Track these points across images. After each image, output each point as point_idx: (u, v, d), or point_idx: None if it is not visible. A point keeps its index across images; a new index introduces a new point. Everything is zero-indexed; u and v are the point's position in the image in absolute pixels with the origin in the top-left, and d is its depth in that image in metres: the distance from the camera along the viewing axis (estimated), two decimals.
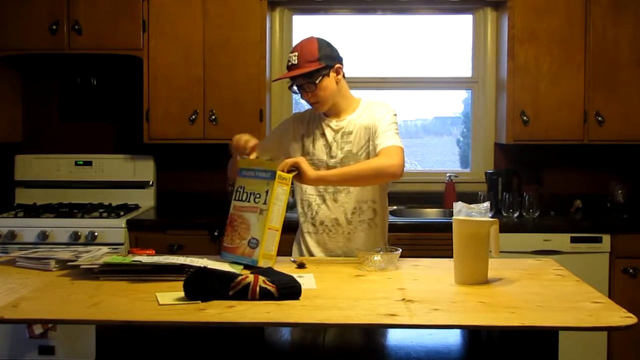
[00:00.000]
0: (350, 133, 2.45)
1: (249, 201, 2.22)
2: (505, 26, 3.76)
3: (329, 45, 2.44)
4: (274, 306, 1.75)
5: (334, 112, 2.49)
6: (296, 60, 2.38)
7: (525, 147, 3.94)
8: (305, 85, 2.39)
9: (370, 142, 2.42)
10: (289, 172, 2.21)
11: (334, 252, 2.50)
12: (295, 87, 2.45)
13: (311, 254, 2.52)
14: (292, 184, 2.24)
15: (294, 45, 2.49)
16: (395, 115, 2.45)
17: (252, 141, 2.35)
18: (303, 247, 2.54)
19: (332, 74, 2.41)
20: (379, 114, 2.43)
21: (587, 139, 3.70)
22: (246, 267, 2.13)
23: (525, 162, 4.02)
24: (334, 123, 2.49)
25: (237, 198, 2.26)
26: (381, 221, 2.53)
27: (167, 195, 4.07)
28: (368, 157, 2.42)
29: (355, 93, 2.57)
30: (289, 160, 2.25)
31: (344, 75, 2.47)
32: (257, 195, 2.19)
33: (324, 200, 2.47)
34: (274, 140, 2.59)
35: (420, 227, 3.46)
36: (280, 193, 2.17)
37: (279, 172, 2.17)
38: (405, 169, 2.36)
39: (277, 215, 2.18)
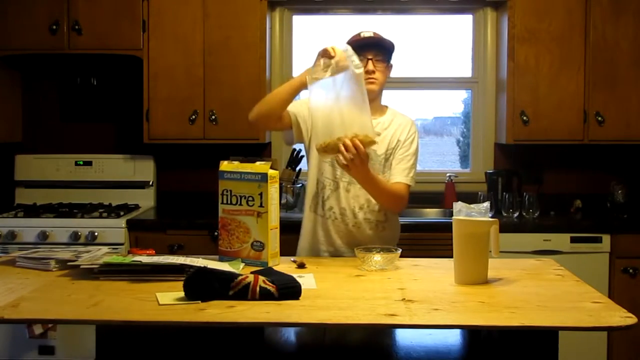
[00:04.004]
0: (379, 134, 2.45)
1: (240, 204, 2.22)
2: (505, 26, 3.76)
3: None
4: (274, 306, 1.75)
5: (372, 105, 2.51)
6: (373, 35, 2.47)
7: (525, 147, 3.94)
8: (376, 59, 2.44)
9: (391, 152, 2.48)
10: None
11: (336, 241, 2.49)
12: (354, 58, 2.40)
13: (316, 238, 2.51)
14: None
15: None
16: (416, 132, 2.54)
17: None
18: (312, 229, 2.52)
19: (389, 68, 2.51)
20: (407, 134, 2.50)
21: (587, 139, 3.70)
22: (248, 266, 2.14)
23: (525, 162, 4.02)
24: None
25: (225, 202, 2.26)
26: (391, 227, 2.55)
27: (167, 195, 4.07)
28: (385, 162, 2.47)
29: None
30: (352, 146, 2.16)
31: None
32: (250, 199, 2.20)
33: (337, 188, 2.47)
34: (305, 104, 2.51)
35: (420, 227, 3.46)
36: (273, 192, 2.19)
37: (269, 173, 2.17)
38: None
39: (275, 215, 2.20)
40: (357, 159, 2.17)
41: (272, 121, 2.45)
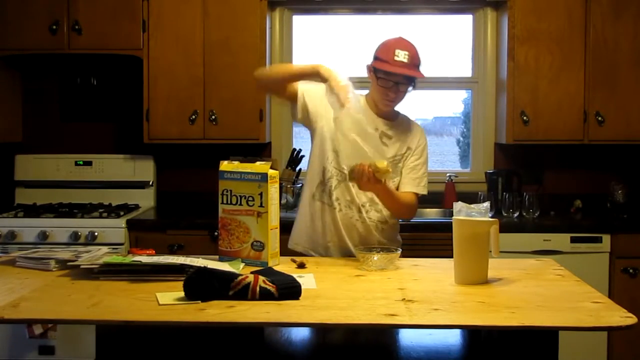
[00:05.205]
0: (390, 138, 2.46)
1: (240, 204, 2.22)
2: (505, 26, 3.76)
3: None
4: (274, 306, 1.75)
5: (386, 113, 2.50)
6: (406, 59, 2.35)
7: (525, 147, 3.94)
8: (402, 85, 2.40)
9: (400, 158, 2.48)
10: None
11: (342, 232, 2.46)
12: (379, 80, 2.42)
13: (324, 227, 2.47)
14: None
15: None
16: (426, 141, 2.59)
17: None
18: (318, 216, 2.48)
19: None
20: (417, 142, 2.52)
21: (587, 139, 3.70)
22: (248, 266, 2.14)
23: (525, 162, 4.02)
24: (381, 121, 2.49)
25: (225, 202, 2.26)
26: (392, 228, 2.54)
27: (167, 195, 4.07)
28: (394, 166, 2.46)
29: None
30: (367, 170, 2.22)
31: None
32: (250, 199, 2.20)
33: (345, 179, 2.44)
34: (319, 94, 2.44)
35: (420, 227, 3.45)
36: (273, 192, 2.19)
37: (269, 173, 2.17)
38: None
39: (275, 215, 2.20)
40: (365, 179, 2.22)
41: (273, 92, 2.60)
